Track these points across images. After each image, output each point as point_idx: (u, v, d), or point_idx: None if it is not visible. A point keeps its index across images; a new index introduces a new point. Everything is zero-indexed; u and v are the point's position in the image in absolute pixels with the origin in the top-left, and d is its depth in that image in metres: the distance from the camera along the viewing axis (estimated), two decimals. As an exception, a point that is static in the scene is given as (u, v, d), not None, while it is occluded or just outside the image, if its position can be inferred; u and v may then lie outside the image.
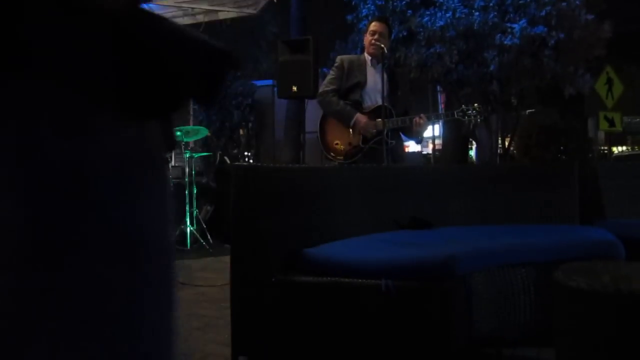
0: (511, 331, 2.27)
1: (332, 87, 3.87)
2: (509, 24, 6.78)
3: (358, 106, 3.84)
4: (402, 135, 4.01)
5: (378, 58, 3.88)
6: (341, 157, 3.83)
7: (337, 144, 3.85)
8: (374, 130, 3.75)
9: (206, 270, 4.63)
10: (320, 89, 3.97)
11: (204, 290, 3.93)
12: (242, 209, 2.25)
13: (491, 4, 6.76)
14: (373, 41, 3.85)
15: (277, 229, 2.24)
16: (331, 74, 3.94)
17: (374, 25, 3.93)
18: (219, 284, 3.92)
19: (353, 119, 3.76)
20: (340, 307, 2.03)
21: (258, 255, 2.19)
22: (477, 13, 6.74)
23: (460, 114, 3.83)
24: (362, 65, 3.91)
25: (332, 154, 3.87)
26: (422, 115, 3.82)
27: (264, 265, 2.15)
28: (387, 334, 1.95)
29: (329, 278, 2.05)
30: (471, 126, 3.86)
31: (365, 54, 3.96)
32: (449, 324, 1.90)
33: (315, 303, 2.08)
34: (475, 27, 6.78)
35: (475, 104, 3.90)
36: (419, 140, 4.23)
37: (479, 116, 3.84)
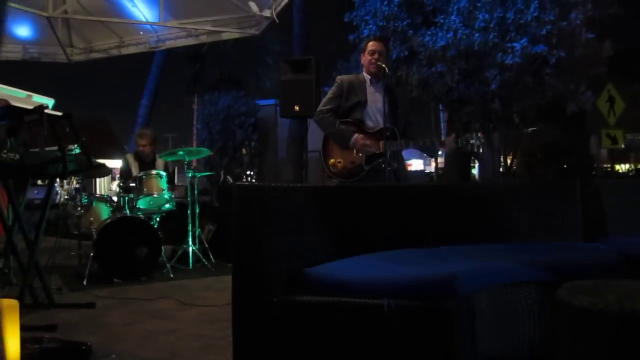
0: (515, 350, 2.24)
1: (329, 106, 3.88)
2: (509, 44, 6.82)
3: (360, 125, 3.85)
4: (404, 153, 4.04)
5: (378, 77, 3.89)
6: (343, 177, 3.83)
7: (339, 162, 3.84)
8: (373, 151, 3.74)
9: (208, 290, 4.61)
10: (318, 109, 3.97)
11: (205, 310, 3.91)
12: (243, 229, 2.24)
13: (492, 25, 6.81)
14: (373, 60, 3.86)
15: (278, 248, 2.24)
16: (329, 94, 3.95)
17: (372, 45, 3.94)
18: (221, 303, 3.90)
19: (352, 139, 3.76)
20: (342, 326, 2.02)
21: (260, 274, 2.18)
22: (477, 34, 6.78)
23: (464, 142, 3.80)
24: (362, 84, 3.92)
25: (334, 173, 3.86)
26: (447, 138, 3.83)
27: (266, 285, 2.14)
28: (389, 353, 1.93)
29: (330, 298, 2.04)
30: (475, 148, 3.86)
31: (364, 73, 3.97)
32: (452, 344, 1.88)
33: (317, 322, 2.07)
34: (475, 47, 6.82)
35: (479, 134, 3.91)
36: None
37: (481, 146, 3.84)
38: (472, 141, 3.78)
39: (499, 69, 6.89)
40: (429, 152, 4.04)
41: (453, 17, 6.93)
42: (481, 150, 3.92)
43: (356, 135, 3.77)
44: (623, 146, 9.63)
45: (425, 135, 3.95)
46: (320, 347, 2.05)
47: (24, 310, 3.75)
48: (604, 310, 1.70)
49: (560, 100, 7.26)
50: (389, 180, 3.69)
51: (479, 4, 6.97)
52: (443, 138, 3.90)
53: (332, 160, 3.86)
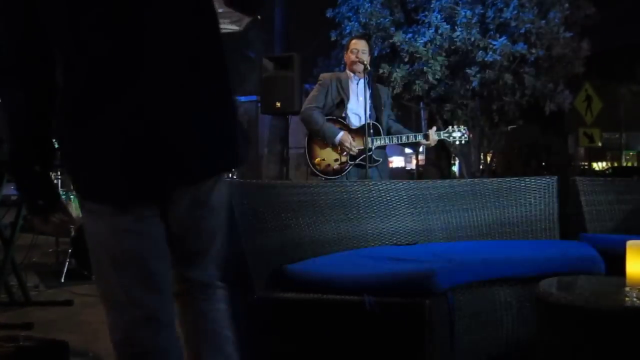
0: (493, 346, 2.27)
1: (315, 104, 3.90)
2: (490, 40, 6.88)
3: (344, 122, 3.87)
4: (387, 151, 4.07)
5: (360, 74, 3.91)
6: (327, 174, 3.84)
7: (323, 160, 3.86)
8: (358, 148, 3.77)
9: (188, 287, 4.59)
10: (304, 106, 3.99)
11: (186, 307, 3.89)
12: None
13: (473, 21, 6.86)
14: (355, 58, 3.89)
15: (259, 245, 2.23)
16: (314, 91, 3.97)
17: (354, 43, 3.97)
18: (201, 301, 3.88)
19: (337, 136, 3.77)
20: (322, 323, 2.02)
21: (241, 271, 2.18)
22: (459, 29, 6.83)
23: (446, 134, 3.87)
24: (345, 82, 3.94)
25: (318, 169, 3.87)
26: (428, 133, 3.85)
27: (247, 282, 2.13)
28: (370, 349, 1.94)
29: (311, 295, 2.04)
30: (455, 144, 3.91)
31: (348, 71, 3.99)
32: (430, 340, 1.89)
33: (298, 319, 2.07)
34: (457, 44, 6.87)
35: (462, 126, 3.94)
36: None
37: (463, 137, 3.89)
38: (454, 133, 3.84)
39: (480, 67, 6.94)
40: (412, 146, 4.10)
41: (435, 14, 6.98)
42: (463, 142, 3.97)
43: (342, 132, 3.79)
44: (600, 144, 9.79)
45: (408, 131, 3.98)
46: (302, 344, 2.05)
47: (-1, 308, 3.71)
48: (581, 306, 1.73)
49: (539, 99, 7.35)
50: (371, 177, 3.71)
51: (460, 2, 7.03)
52: (425, 132, 3.93)
53: (316, 158, 3.88)
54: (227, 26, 6.92)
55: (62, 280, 4.67)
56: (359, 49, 3.91)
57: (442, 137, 3.90)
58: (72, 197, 5.48)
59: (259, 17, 6.52)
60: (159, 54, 1.34)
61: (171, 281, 1.43)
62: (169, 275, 1.41)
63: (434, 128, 3.91)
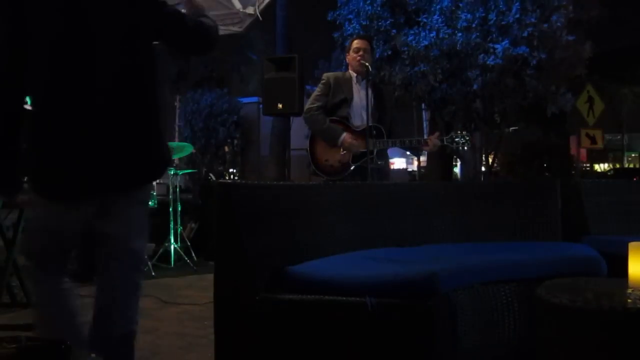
0: (496, 348, 2.26)
1: (318, 104, 3.89)
2: (491, 44, 6.88)
3: (347, 123, 3.86)
4: (389, 152, 4.06)
5: (363, 75, 3.91)
6: (330, 174, 3.84)
7: (326, 160, 3.85)
8: (360, 150, 3.76)
9: (190, 289, 4.59)
10: (307, 106, 3.98)
11: (187, 308, 3.89)
12: (225, 227, 2.23)
13: (474, 25, 6.86)
14: (358, 58, 3.88)
15: (261, 246, 2.23)
16: (317, 91, 3.97)
17: (357, 43, 3.97)
18: (203, 302, 3.88)
19: (340, 138, 3.77)
20: (324, 325, 2.02)
21: (242, 273, 2.17)
22: (460, 34, 6.83)
23: (449, 140, 3.84)
24: (348, 82, 3.93)
25: (320, 170, 3.87)
26: (430, 137, 3.85)
27: (248, 283, 2.13)
28: (371, 351, 1.94)
29: (312, 296, 2.04)
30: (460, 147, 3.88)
31: (350, 71, 3.99)
32: (433, 342, 1.89)
33: (299, 321, 2.06)
34: (458, 47, 6.87)
35: (464, 132, 3.92)
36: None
37: (466, 144, 3.86)
38: (457, 139, 3.82)
39: (481, 70, 6.94)
40: (413, 151, 4.08)
41: (436, 17, 6.97)
42: (466, 149, 3.95)
43: (345, 134, 3.78)
44: (602, 146, 9.77)
45: (410, 133, 3.97)
46: (303, 346, 2.05)
47: (1, 310, 3.70)
48: (583, 307, 1.72)
49: (541, 101, 7.34)
50: (372, 179, 3.70)
51: (461, 4, 7.02)
52: (426, 137, 3.92)
53: (319, 159, 3.87)
54: (229, 28, 6.92)
55: (64, 282, 4.67)
56: (360, 48, 3.91)
57: (445, 144, 3.87)
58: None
59: (260, 18, 6.51)
60: (94, 91, 1.78)
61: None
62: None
63: (437, 134, 3.89)
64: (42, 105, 1.82)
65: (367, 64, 3.82)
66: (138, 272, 2.04)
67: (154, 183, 5.49)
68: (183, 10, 2.07)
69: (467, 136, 3.86)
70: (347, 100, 3.88)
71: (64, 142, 1.77)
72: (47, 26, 1.78)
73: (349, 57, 3.99)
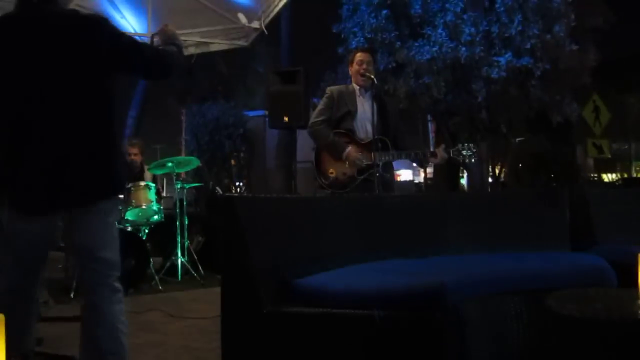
0: (505, 359, 2.25)
1: (322, 117, 3.90)
2: (495, 58, 6.88)
3: (351, 135, 3.86)
4: (395, 164, 4.06)
5: (366, 87, 3.92)
6: (336, 187, 3.83)
7: (331, 173, 3.85)
8: (366, 163, 3.76)
9: (197, 302, 4.58)
10: (311, 120, 3.99)
11: (194, 322, 3.88)
12: (232, 240, 2.24)
13: (477, 39, 6.87)
14: (362, 71, 3.89)
15: (268, 259, 2.23)
16: (321, 105, 3.98)
17: (359, 56, 3.98)
18: (210, 315, 3.86)
19: (345, 151, 3.78)
20: (331, 337, 2.01)
21: (249, 286, 2.17)
22: (463, 48, 6.84)
23: (455, 152, 3.83)
24: (352, 94, 3.94)
25: (326, 183, 3.87)
26: (438, 149, 3.84)
27: (255, 296, 2.13)
28: (380, 364, 1.93)
29: (320, 309, 2.03)
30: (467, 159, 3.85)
31: (354, 84, 4.00)
32: (442, 353, 1.88)
33: (306, 334, 2.06)
34: (462, 61, 6.87)
35: (470, 144, 3.90)
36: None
37: (473, 156, 3.84)
38: (463, 152, 3.81)
39: (485, 82, 6.94)
40: (419, 163, 4.06)
41: (440, 31, 6.99)
42: (472, 161, 3.93)
43: (349, 147, 3.79)
44: (609, 156, 9.73)
45: (416, 143, 3.96)
46: (310, 358, 2.04)
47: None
48: (592, 318, 1.71)
49: (547, 111, 7.32)
50: (378, 191, 3.69)
51: (464, 17, 7.04)
52: (432, 149, 3.91)
53: (325, 171, 3.87)
54: (235, 42, 6.98)
55: (72, 296, 4.67)
56: (364, 61, 3.92)
57: (451, 156, 3.86)
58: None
59: (265, 32, 6.56)
60: (54, 122, 2.09)
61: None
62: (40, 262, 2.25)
63: (443, 146, 3.89)
64: (11, 135, 2.12)
65: (372, 76, 3.84)
66: (110, 278, 2.22)
67: (153, 195, 5.51)
68: (153, 39, 2.51)
69: (474, 148, 3.85)
70: (351, 113, 3.88)
71: (31, 163, 2.10)
72: (13, 70, 2.11)
73: (351, 69, 4.01)
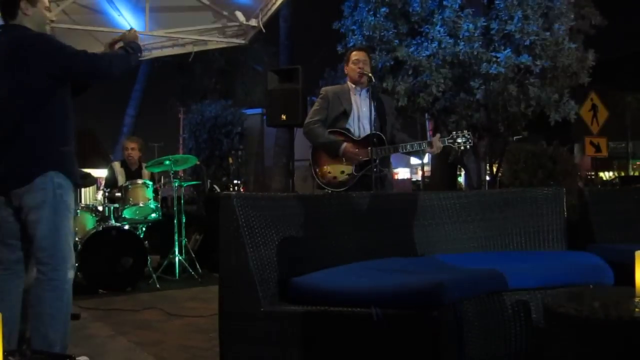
0: (502, 358, 2.25)
1: (317, 117, 3.91)
2: (493, 54, 6.89)
3: (347, 134, 3.87)
4: (393, 162, 4.06)
5: (362, 85, 3.93)
6: (334, 186, 3.83)
7: (329, 172, 3.86)
8: (362, 159, 3.76)
9: (195, 301, 4.58)
10: (306, 121, 4.00)
11: (192, 320, 3.88)
12: (229, 238, 2.23)
13: (476, 34, 6.87)
14: (358, 70, 3.90)
15: (265, 257, 2.23)
16: (315, 106, 3.99)
17: (356, 54, 3.98)
18: (207, 314, 3.87)
19: (341, 148, 3.78)
20: (329, 336, 2.01)
21: (247, 284, 2.17)
22: (462, 43, 6.85)
23: (450, 140, 3.82)
24: (347, 93, 3.95)
25: (324, 182, 3.87)
26: (433, 139, 3.83)
27: (253, 295, 2.13)
28: (377, 363, 1.93)
29: (318, 307, 2.03)
30: (459, 153, 3.85)
31: (349, 83, 4.00)
32: (439, 352, 1.88)
33: (304, 332, 2.06)
34: (460, 57, 6.88)
35: (465, 131, 3.90)
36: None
37: (467, 143, 3.83)
38: (458, 139, 3.79)
39: (484, 79, 6.94)
40: (417, 155, 4.04)
41: (438, 27, 6.99)
42: (468, 147, 3.92)
43: (345, 144, 3.79)
44: (607, 154, 9.75)
45: (413, 140, 3.92)
46: (309, 357, 2.04)
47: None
48: (590, 317, 1.71)
49: (545, 109, 7.32)
50: (376, 188, 3.69)
51: (462, 14, 7.04)
52: (429, 140, 3.89)
53: (322, 170, 3.87)
54: (232, 40, 6.96)
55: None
56: (360, 60, 3.93)
57: (446, 144, 3.84)
58: (78, 212, 5.51)
59: (263, 30, 6.55)
60: None
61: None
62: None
63: (438, 135, 3.88)
64: None
65: (369, 74, 3.84)
66: (45, 265, 2.73)
67: (150, 193, 5.51)
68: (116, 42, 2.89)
69: (468, 135, 3.82)
70: (347, 112, 3.89)
71: None
72: None
73: (347, 68, 4.01)
